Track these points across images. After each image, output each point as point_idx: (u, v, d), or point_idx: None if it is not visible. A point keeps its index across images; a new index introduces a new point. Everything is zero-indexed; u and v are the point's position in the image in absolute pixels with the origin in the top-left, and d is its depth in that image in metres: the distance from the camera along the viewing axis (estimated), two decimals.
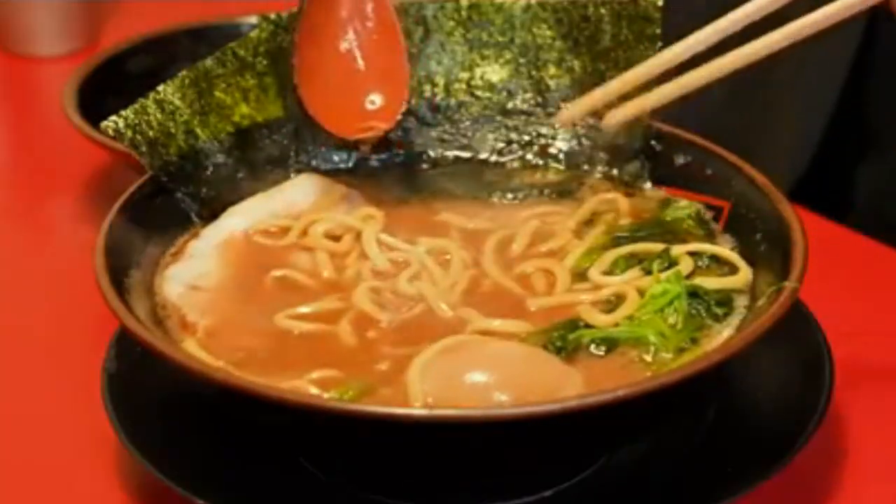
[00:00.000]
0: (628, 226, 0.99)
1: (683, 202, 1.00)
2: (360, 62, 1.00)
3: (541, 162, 1.05)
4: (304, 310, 0.92)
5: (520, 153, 1.06)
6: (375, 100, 1.00)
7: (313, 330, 0.90)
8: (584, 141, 1.04)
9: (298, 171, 1.05)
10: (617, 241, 0.97)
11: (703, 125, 1.05)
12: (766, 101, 1.37)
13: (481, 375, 0.84)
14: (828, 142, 1.32)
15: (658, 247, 0.95)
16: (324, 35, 1.01)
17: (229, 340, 0.89)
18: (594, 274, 0.94)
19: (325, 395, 0.84)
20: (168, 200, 0.98)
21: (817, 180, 1.32)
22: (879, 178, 1.32)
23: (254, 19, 1.17)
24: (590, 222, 1.00)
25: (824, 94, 1.31)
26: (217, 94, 1.02)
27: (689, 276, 0.92)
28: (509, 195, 1.04)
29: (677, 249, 0.94)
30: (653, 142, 1.02)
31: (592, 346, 0.88)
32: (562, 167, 1.05)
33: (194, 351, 0.88)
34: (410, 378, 0.84)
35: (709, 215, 0.99)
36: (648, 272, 0.93)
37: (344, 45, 1.00)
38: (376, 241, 0.97)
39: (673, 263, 0.93)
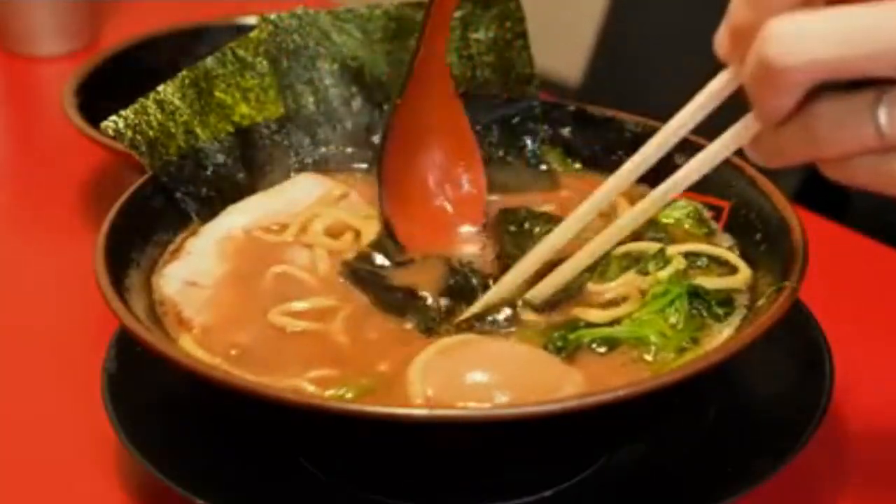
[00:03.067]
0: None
1: (682, 201, 1.00)
2: (449, 208, 1.01)
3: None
4: (299, 307, 0.92)
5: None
6: (457, 231, 1.01)
7: (309, 327, 0.90)
8: None
9: (298, 171, 1.05)
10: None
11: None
12: None
13: (481, 375, 0.84)
14: None
15: (654, 247, 0.94)
16: (412, 190, 1.01)
17: (226, 337, 0.89)
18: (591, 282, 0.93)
19: (326, 394, 0.84)
20: (168, 200, 0.98)
21: (821, 181, 1.31)
22: None
23: (254, 19, 1.17)
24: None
25: None
26: (217, 94, 1.02)
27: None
28: (509, 192, 1.04)
29: (673, 249, 0.94)
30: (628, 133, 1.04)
31: (594, 346, 0.88)
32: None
33: (191, 348, 0.88)
34: (411, 377, 0.84)
35: (709, 214, 0.99)
36: (645, 273, 0.92)
37: (436, 203, 1.02)
38: None
39: (669, 264, 0.93)
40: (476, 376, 0.84)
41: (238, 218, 1.00)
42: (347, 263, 0.95)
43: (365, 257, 0.96)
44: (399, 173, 1.00)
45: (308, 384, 0.85)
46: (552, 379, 0.84)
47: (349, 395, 0.84)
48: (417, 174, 1.01)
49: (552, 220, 0.98)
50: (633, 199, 1.02)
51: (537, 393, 0.82)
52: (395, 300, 0.92)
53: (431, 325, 0.90)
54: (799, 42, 0.70)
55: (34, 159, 1.40)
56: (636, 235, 0.97)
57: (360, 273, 0.94)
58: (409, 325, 0.90)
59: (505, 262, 0.95)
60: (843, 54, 0.69)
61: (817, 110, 0.72)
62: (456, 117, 1.02)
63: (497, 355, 0.86)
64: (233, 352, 0.88)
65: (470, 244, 0.99)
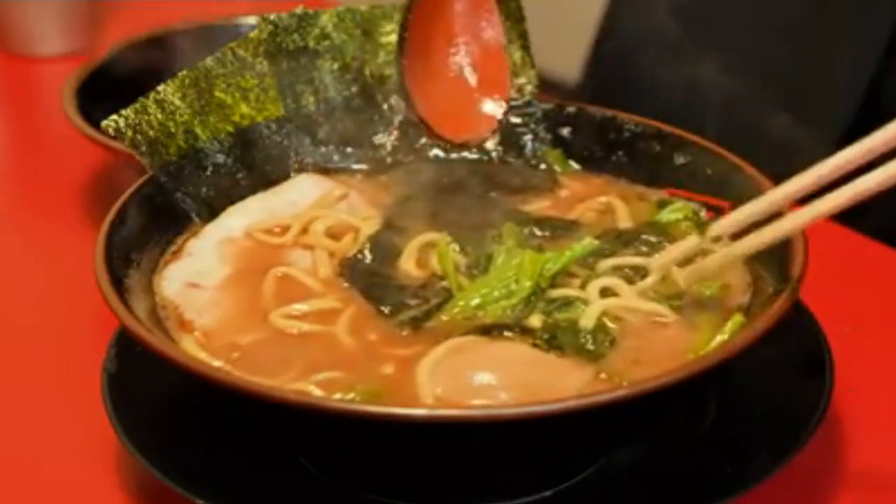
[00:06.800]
0: (623, 229, 0.99)
1: (679, 203, 1.00)
2: (470, 77, 1.02)
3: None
4: (301, 309, 0.91)
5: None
6: (481, 107, 1.01)
7: (312, 330, 0.90)
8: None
9: (298, 171, 1.05)
10: (604, 248, 0.96)
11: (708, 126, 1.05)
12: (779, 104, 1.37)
13: (489, 376, 0.84)
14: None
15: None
16: (435, 51, 1.02)
17: (227, 339, 0.89)
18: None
19: (335, 397, 0.84)
20: (168, 200, 0.98)
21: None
22: None
23: (254, 19, 1.17)
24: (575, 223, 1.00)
25: (845, 97, 1.31)
26: (217, 94, 1.02)
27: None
28: (509, 193, 1.04)
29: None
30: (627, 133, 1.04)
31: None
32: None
33: (192, 349, 0.88)
34: (420, 379, 0.84)
35: (707, 215, 0.99)
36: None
37: (455, 61, 1.03)
38: None
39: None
40: (484, 377, 0.84)
41: (239, 219, 1.00)
42: (345, 265, 0.95)
43: (361, 258, 0.96)
44: (422, 48, 1.00)
45: (315, 388, 0.84)
46: (558, 379, 0.84)
47: (357, 400, 0.83)
48: (440, 43, 1.02)
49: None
50: (629, 199, 1.02)
51: (545, 393, 0.82)
52: (395, 297, 0.92)
53: (433, 315, 0.90)
54: None
55: (34, 159, 1.40)
56: (633, 238, 0.97)
57: (359, 273, 0.94)
58: (410, 320, 0.90)
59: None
60: None
61: None
62: None
63: (502, 356, 0.86)
64: (234, 355, 0.88)
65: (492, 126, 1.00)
